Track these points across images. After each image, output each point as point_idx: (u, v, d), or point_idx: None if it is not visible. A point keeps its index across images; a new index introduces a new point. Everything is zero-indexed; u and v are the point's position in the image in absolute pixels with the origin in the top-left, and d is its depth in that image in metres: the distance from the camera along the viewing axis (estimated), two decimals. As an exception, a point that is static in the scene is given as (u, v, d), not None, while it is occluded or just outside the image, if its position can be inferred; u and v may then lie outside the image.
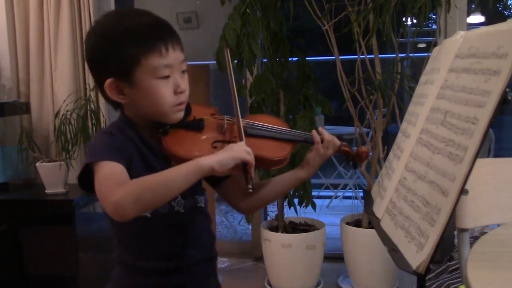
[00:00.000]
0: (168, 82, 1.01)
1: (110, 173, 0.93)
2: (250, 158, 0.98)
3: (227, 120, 1.13)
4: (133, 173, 0.97)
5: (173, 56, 1.00)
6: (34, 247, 2.73)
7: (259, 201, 1.21)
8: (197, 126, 1.09)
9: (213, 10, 4.16)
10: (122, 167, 0.94)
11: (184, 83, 1.04)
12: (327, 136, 1.18)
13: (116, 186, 0.89)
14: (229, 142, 1.08)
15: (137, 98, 1.02)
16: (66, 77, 2.86)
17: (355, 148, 1.25)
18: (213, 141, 1.09)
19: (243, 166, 0.98)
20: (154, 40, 0.98)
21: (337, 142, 1.19)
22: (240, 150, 0.98)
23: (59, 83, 2.87)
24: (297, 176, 1.19)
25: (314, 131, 1.19)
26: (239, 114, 1.11)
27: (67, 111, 2.62)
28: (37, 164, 2.64)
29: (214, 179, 1.18)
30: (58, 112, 2.67)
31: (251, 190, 0.98)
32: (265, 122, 1.18)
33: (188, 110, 1.09)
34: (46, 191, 2.61)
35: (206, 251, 1.15)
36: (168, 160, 1.05)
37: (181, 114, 1.06)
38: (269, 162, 1.13)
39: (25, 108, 2.88)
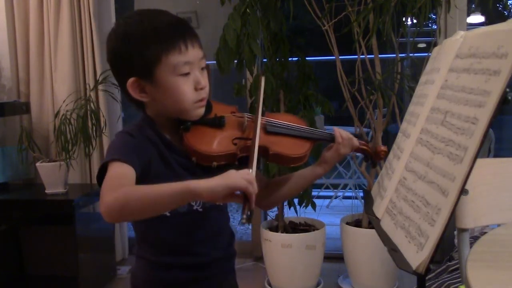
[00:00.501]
0: (189, 79, 1.03)
1: (116, 174, 0.94)
2: (248, 187, 0.87)
3: (247, 118, 1.15)
4: (153, 173, 1.00)
5: (192, 53, 1.03)
6: (34, 247, 2.73)
7: (277, 197, 1.24)
8: (218, 123, 1.11)
9: (213, 10, 4.16)
10: (132, 170, 0.95)
11: (204, 80, 1.06)
12: (345, 135, 1.20)
13: (113, 189, 0.89)
14: (249, 139, 1.09)
15: (159, 96, 1.04)
16: (66, 77, 2.86)
17: (371, 145, 1.27)
18: (233, 137, 1.10)
19: (243, 194, 0.89)
20: (174, 38, 1.01)
21: (356, 141, 1.21)
22: (238, 178, 0.88)
23: (59, 83, 2.87)
24: (314, 173, 1.22)
25: (336, 129, 1.21)
26: (258, 135, 1.07)
27: (67, 111, 2.62)
28: (37, 164, 2.64)
29: None
30: (58, 112, 2.67)
31: (244, 222, 0.89)
32: (285, 120, 1.19)
33: (209, 107, 1.11)
34: (46, 191, 2.62)
35: (224, 249, 1.17)
36: (189, 158, 1.06)
37: (202, 110, 1.08)
38: (288, 159, 1.14)
39: (25, 108, 2.88)
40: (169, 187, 0.87)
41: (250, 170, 0.95)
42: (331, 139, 1.21)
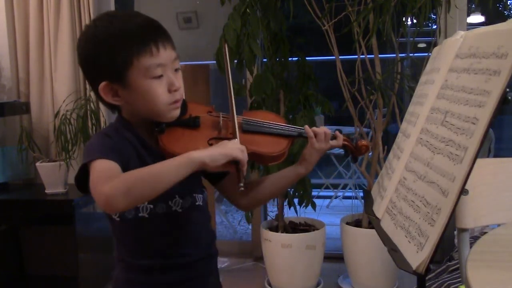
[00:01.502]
0: (162, 81, 1.01)
1: (103, 168, 0.93)
2: (243, 156, 0.97)
3: (223, 117, 1.14)
4: None
5: (164, 55, 1.01)
6: (34, 247, 2.73)
7: (259, 197, 1.21)
8: (192, 123, 1.10)
9: (213, 10, 4.16)
10: (116, 164, 0.95)
11: (178, 81, 1.04)
12: (317, 129, 1.17)
13: (108, 179, 0.89)
14: (225, 139, 1.08)
15: (132, 99, 1.03)
16: (66, 77, 2.86)
17: (355, 141, 1.25)
18: (208, 138, 1.09)
19: (235, 164, 0.97)
20: (144, 41, 0.99)
21: (328, 132, 1.18)
22: (233, 148, 0.97)
23: (59, 83, 2.87)
24: (296, 172, 1.19)
25: (306, 126, 1.19)
26: (234, 111, 1.11)
27: (67, 111, 2.62)
28: (37, 164, 2.64)
29: (214, 177, 1.19)
30: (58, 112, 2.67)
31: (242, 189, 0.97)
32: (262, 118, 1.18)
33: (184, 108, 1.10)
34: (46, 191, 2.61)
35: (205, 249, 1.16)
36: (165, 159, 1.04)
37: (177, 112, 1.07)
38: (265, 158, 1.13)
39: (25, 108, 2.88)
40: (169, 163, 0.91)
41: (237, 140, 1.03)
42: (303, 135, 1.19)
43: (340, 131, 1.21)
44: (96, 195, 0.90)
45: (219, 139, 1.09)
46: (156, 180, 0.90)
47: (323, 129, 1.18)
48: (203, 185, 1.17)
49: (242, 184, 0.97)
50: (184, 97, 1.09)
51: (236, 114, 1.12)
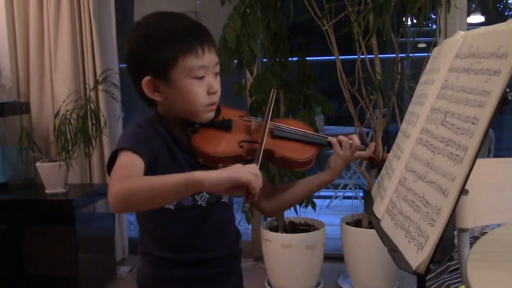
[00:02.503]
0: (202, 83, 1.06)
1: (125, 164, 0.96)
2: (252, 179, 0.89)
3: (255, 121, 1.17)
4: (160, 166, 1.03)
5: (208, 58, 1.06)
6: (34, 247, 2.74)
7: (283, 203, 1.26)
8: (225, 126, 1.14)
9: (213, 10, 4.15)
10: (141, 161, 0.97)
11: (217, 84, 1.08)
12: (343, 138, 1.21)
13: (120, 179, 0.91)
14: (255, 142, 1.11)
15: (172, 96, 1.07)
16: (66, 77, 2.86)
17: (380, 154, 1.28)
18: (240, 140, 1.12)
19: (242, 186, 0.90)
20: (192, 42, 1.04)
21: (357, 142, 1.20)
22: (243, 172, 0.89)
23: (59, 83, 2.87)
24: (322, 179, 1.22)
25: (331, 138, 1.22)
26: (265, 136, 1.10)
27: (67, 111, 2.62)
28: (37, 164, 2.64)
29: None
30: (58, 112, 2.67)
31: (246, 209, 0.97)
32: (292, 126, 1.21)
33: (218, 111, 1.13)
34: (46, 191, 2.61)
35: (229, 247, 1.18)
36: (196, 157, 1.09)
37: (212, 114, 1.11)
38: (293, 163, 1.16)
39: (25, 108, 2.89)
40: (174, 177, 0.90)
41: (256, 165, 0.96)
42: (330, 144, 1.22)
43: (365, 143, 1.25)
44: (108, 191, 0.91)
45: (250, 142, 1.12)
46: (154, 194, 0.90)
47: (351, 138, 1.21)
48: None
49: (247, 205, 0.91)
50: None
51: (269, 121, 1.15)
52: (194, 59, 1.03)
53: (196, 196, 1.10)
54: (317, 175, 1.23)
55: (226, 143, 1.11)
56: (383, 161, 1.26)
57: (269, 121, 1.15)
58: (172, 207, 1.08)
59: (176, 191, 0.89)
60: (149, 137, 1.05)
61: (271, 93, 1.26)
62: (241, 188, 0.90)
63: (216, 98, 1.09)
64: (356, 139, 1.20)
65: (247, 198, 0.91)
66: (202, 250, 1.13)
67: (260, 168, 0.96)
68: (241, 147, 1.11)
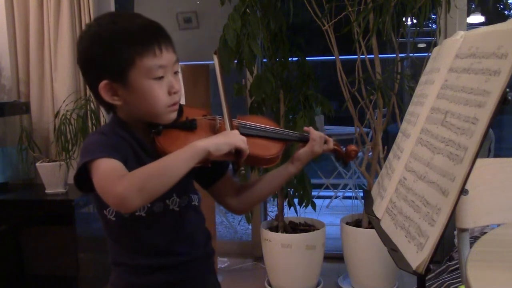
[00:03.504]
0: (162, 83, 1.02)
1: (110, 168, 0.94)
2: (245, 146, 1.01)
3: (219, 120, 1.15)
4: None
5: (166, 56, 1.02)
6: (34, 247, 2.73)
7: (251, 200, 1.23)
8: (189, 126, 1.11)
9: (213, 10, 4.16)
10: (120, 163, 0.96)
11: (177, 84, 1.05)
12: (319, 133, 1.21)
13: (119, 178, 0.90)
14: None
15: (132, 99, 1.03)
16: (66, 77, 2.86)
17: (343, 147, 1.28)
18: None
19: (235, 153, 1.01)
20: (148, 41, 1.00)
21: (324, 136, 1.21)
22: (236, 137, 1.01)
23: (59, 83, 2.87)
24: (287, 172, 1.21)
25: (310, 128, 1.21)
26: (229, 109, 1.13)
27: (67, 111, 2.62)
28: (37, 164, 2.64)
29: (206, 181, 1.21)
30: (58, 112, 2.67)
31: (243, 172, 1.01)
32: (257, 122, 1.20)
33: (180, 111, 1.10)
34: (46, 191, 2.61)
35: (201, 249, 1.17)
36: None
37: (174, 115, 1.08)
38: (261, 160, 1.15)
39: (25, 108, 2.88)
40: (176, 155, 0.94)
41: (237, 131, 1.06)
42: (302, 139, 1.22)
43: (330, 137, 1.25)
44: (108, 197, 0.90)
45: None
46: (167, 174, 0.92)
47: (320, 134, 1.21)
48: (195, 188, 1.18)
49: (243, 168, 1.01)
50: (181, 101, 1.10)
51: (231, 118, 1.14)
52: (152, 59, 0.99)
53: (167, 201, 1.08)
54: (282, 167, 1.22)
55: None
56: (347, 152, 1.27)
57: (232, 119, 1.13)
58: (143, 213, 1.05)
59: (186, 166, 0.93)
60: (115, 143, 1.02)
61: (215, 59, 1.21)
62: (233, 153, 1.00)
63: (177, 97, 1.06)
64: (321, 133, 1.21)
65: (239, 161, 1.01)
66: (176, 254, 1.11)
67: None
68: None
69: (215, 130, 1.13)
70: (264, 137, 1.17)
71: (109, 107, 1.08)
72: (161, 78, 1.02)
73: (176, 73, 1.06)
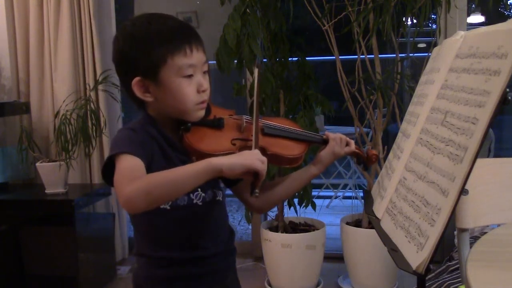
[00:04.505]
0: (192, 81, 1.07)
1: (128, 166, 0.97)
2: (262, 167, 0.98)
3: (245, 120, 1.19)
4: (154, 169, 1.01)
5: (196, 56, 1.07)
6: (34, 247, 2.73)
7: (273, 199, 1.27)
8: (217, 124, 1.15)
9: (213, 10, 4.16)
10: (141, 162, 0.99)
11: (206, 83, 1.09)
12: (339, 136, 1.26)
13: (130, 180, 0.93)
14: (247, 140, 1.14)
15: (162, 96, 1.07)
16: (66, 77, 2.86)
17: (365, 149, 1.32)
18: (232, 138, 1.14)
19: (252, 173, 1.00)
20: (180, 41, 1.05)
21: (345, 138, 1.26)
22: (253, 159, 0.98)
23: (59, 83, 2.87)
24: (309, 173, 1.25)
25: (327, 132, 1.26)
26: (258, 121, 1.15)
27: (67, 111, 2.62)
28: (37, 164, 2.64)
29: (230, 179, 1.21)
30: (58, 112, 2.67)
31: (257, 195, 1.01)
32: (281, 124, 1.24)
33: (208, 110, 1.14)
34: (46, 191, 2.61)
35: (223, 245, 1.19)
36: (189, 156, 1.10)
37: (202, 113, 1.11)
38: (285, 160, 1.19)
39: (25, 108, 2.89)
40: (188, 168, 0.94)
41: (257, 151, 1.04)
42: (324, 141, 1.26)
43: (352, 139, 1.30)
44: (118, 194, 0.93)
45: (241, 140, 1.14)
46: (176, 186, 0.93)
47: (340, 135, 1.26)
48: (219, 183, 1.21)
49: (257, 191, 1.00)
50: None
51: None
52: (182, 58, 1.04)
53: (192, 195, 1.11)
54: (304, 169, 1.26)
55: (219, 141, 1.13)
56: (368, 156, 1.30)
57: (259, 120, 1.17)
58: (168, 207, 1.08)
59: (196, 180, 0.94)
60: (142, 140, 1.05)
61: (257, 74, 1.26)
62: (251, 173, 0.98)
63: (206, 96, 1.10)
64: (342, 135, 1.26)
65: (256, 183, 0.99)
66: (198, 248, 1.14)
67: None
68: (234, 144, 1.13)
69: (241, 129, 1.17)
70: (288, 137, 1.22)
71: (140, 104, 1.12)
72: (190, 76, 1.06)
73: (205, 72, 1.10)
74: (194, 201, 1.12)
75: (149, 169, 1.01)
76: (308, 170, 1.25)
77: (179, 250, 1.12)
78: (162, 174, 0.94)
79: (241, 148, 1.12)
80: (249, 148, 1.09)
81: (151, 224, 1.12)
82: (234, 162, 0.96)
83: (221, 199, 1.18)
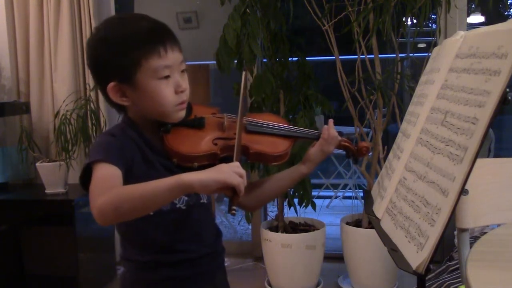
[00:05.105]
0: (169, 82, 1.04)
1: (104, 176, 0.95)
2: (239, 182, 0.90)
3: (228, 118, 1.15)
4: (135, 173, 1.01)
5: (172, 56, 1.03)
6: (34, 247, 2.73)
7: (262, 197, 1.24)
8: (198, 124, 1.12)
9: (213, 10, 4.16)
10: (118, 170, 0.96)
11: (184, 83, 1.07)
12: (332, 132, 1.20)
13: (103, 192, 0.90)
14: (230, 139, 1.10)
15: (140, 100, 1.05)
16: (66, 77, 2.86)
17: (355, 142, 1.27)
18: (214, 138, 1.11)
19: (231, 188, 0.91)
20: (153, 43, 1.02)
21: (338, 137, 1.22)
22: (229, 172, 0.90)
23: (59, 83, 2.87)
24: (299, 172, 1.22)
25: (325, 127, 1.20)
26: (241, 126, 1.11)
27: (67, 111, 2.62)
28: (37, 164, 2.64)
29: None
30: (58, 112, 2.67)
31: (234, 212, 0.93)
32: (266, 120, 1.20)
33: (189, 109, 1.12)
34: (46, 191, 2.61)
35: (210, 246, 1.17)
36: (170, 159, 1.07)
37: (182, 113, 1.09)
38: (269, 158, 1.15)
39: (25, 108, 2.88)
40: (161, 182, 0.89)
41: (238, 163, 0.96)
42: (313, 137, 1.22)
43: (341, 133, 1.23)
44: (91, 205, 0.91)
45: (224, 139, 1.10)
46: (144, 202, 0.90)
47: (330, 132, 1.20)
48: None
49: (234, 208, 0.92)
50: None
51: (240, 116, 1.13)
52: (157, 59, 1.01)
53: (175, 200, 1.08)
54: (294, 167, 1.23)
55: (200, 142, 1.09)
56: (358, 149, 1.25)
57: (242, 112, 1.12)
58: (151, 212, 1.04)
59: (167, 196, 0.90)
60: (122, 145, 1.03)
61: (243, 77, 1.22)
62: (228, 189, 0.91)
63: (185, 96, 1.07)
64: (333, 131, 1.20)
65: (234, 199, 0.91)
66: (184, 251, 1.12)
67: (240, 163, 0.96)
68: (216, 144, 1.09)
69: (223, 127, 1.13)
70: (272, 134, 1.18)
71: (120, 108, 1.10)
72: (167, 77, 1.03)
73: (183, 72, 1.07)
74: (177, 206, 1.09)
75: (130, 172, 1.00)
76: (298, 168, 1.22)
77: (165, 254, 1.10)
78: (132, 188, 0.90)
79: (223, 148, 1.09)
80: (232, 147, 1.05)
81: (135, 229, 1.10)
82: (207, 178, 0.89)
83: (206, 201, 1.15)
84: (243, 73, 1.25)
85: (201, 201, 1.14)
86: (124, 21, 1.07)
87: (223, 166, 0.92)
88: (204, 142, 1.09)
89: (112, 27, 1.06)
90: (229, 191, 0.91)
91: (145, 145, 1.07)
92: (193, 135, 1.10)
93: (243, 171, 0.92)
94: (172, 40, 1.05)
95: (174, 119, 1.08)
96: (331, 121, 1.22)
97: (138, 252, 1.12)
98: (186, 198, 1.10)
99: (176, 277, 1.12)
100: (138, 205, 0.89)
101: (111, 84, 1.03)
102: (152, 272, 1.11)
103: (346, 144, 1.24)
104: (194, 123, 1.12)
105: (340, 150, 1.27)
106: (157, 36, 1.03)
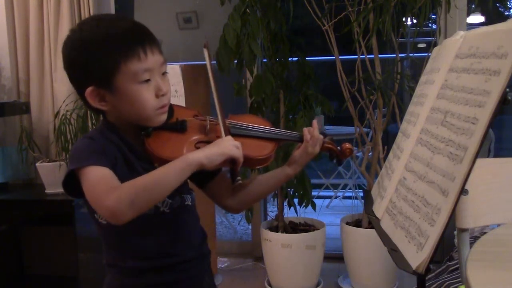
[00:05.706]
0: (149, 86, 1.01)
1: (100, 177, 0.93)
2: (239, 153, 1.00)
3: (210, 120, 1.13)
4: (118, 176, 0.97)
5: (152, 59, 1.00)
6: (34, 247, 2.73)
7: (247, 199, 1.21)
8: (180, 127, 1.09)
9: (213, 10, 4.16)
10: (110, 170, 0.95)
11: (165, 86, 1.03)
12: (316, 134, 1.17)
13: (109, 191, 0.89)
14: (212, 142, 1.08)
15: (120, 104, 1.01)
16: (66, 77, 2.81)
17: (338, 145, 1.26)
18: (196, 141, 1.09)
19: (231, 160, 1.00)
20: (132, 45, 0.98)
21: (320, 137, 1.18)
22: (229, 146, 0.99)
23: (59, 83, 2.87)
24: (284, 173, 1.20)
25: (305, 129, 1.18)
26: (222, 110, 1.11)
27: (67, 111, 2.62)
28: (37, 164, 2.64)
29: (200, 180, 1.18)
30: (58, 112, 2.67)
31: (240, 181, 1.01)
32: (249, 122, 1.18)
33: (170, 112, 1.09)
34: (46, 191, 2.61)
35: (196, 249, 1.15)
36: (151, 163, 1.04)
37: (164, 117, 1.06)
38: (252, 161, 1.12)
39: (25, 108, 2.88)
40: (168, 168, 0.93)
41: (230, 137, 1.04)
42: (296, 139, 1.20)
43: (325, 134, 1.21)
44: (100, 209, 0.90)
45: (206, 142, 1.07)
46: (159, 188, 0.91)
47: (313, 134, 1.18)
48: (190, 187, 1.16)
49: (239, 178, 1.00)
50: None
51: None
52: (136, 63, 0.97)
53: (159, 203, 1.05)
54: (279, 169, 1.20)
55: (182, 145, 1.06)
56: (342, 150, 1.23)
57: (224, 117, 1.11)
58: (163, 200, 1.04)
59: (178, 178, 0.93)
60: (102, 148, 1.00)
61: (206, 56, 1.16)
62: (230, 161, 0.99)
63: (166, 100, 1.04)
64: (317, 133, 1.18)
65: (236, 169, 1.00)
66: (169, 255, 1.09)
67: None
68: (198, 148, 1.06)
69: (205, 130, 1.11)
70: (256, 137, 1.15)
71: (99, 111, 1.06)
72: (148, 81, 1.00)
73: (163, 74, 1.04)
74: (161, 209, 1.06)
75: (114, 173, 0.97)
76: (283, 170, 1.19)
77: (150, 259, 1.07)
78: (142, 179, 0.90)
79: None
80: None
81: (118, 235, 1.07)
82: (212, 153, 0.96)
83: (190, 203, 1.13)
84: (204, 50, 1.17)
85: (186, 203, 1.12)
86: (101, 22, 1.02)
87: (221, 141, 1.00)
88: (186, 145, 1.07)
89: (89, 28, 1.01)
90: (230, 163, 1.00)
91: (127, 148, 1.04)
92: (175, 138, 1.08)
93: (238, 143, 1.01)
94: (152, 42, 1.01)
95: (155, 123, 1.05)
96: (314, 122, 1.20)
97: (121, 257, 1.08)
98: (170, 201, 1.07)
99: (163, 283, 1.09)
100: (153, 193, 0.91)
101: (89, 89, 1.00)
102: (137, 278, 1.08)
103: (329, 146, 1.22)
104: (176, 127, 1.09)
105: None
106: (136, 37, 0.99)
